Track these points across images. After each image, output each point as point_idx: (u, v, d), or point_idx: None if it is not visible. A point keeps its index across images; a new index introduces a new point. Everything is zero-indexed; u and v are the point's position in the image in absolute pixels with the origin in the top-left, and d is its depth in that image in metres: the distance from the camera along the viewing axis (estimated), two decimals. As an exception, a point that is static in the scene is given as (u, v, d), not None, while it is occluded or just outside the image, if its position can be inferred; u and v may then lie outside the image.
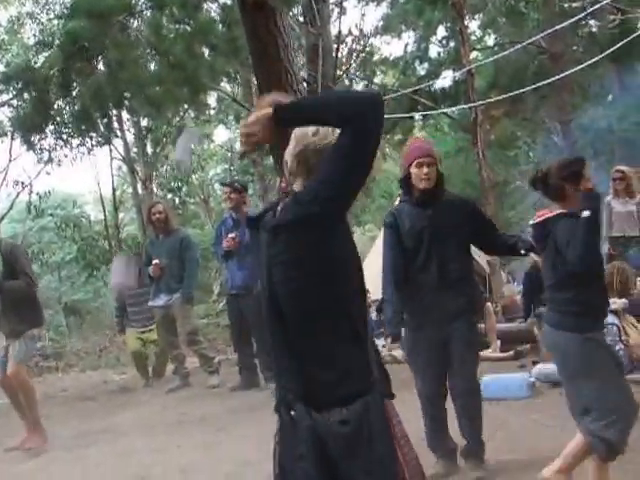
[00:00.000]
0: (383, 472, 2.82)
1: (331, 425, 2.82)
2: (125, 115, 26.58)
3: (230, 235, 10.14)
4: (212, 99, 26.26)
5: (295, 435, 2.87)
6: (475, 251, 6.53)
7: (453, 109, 22.81)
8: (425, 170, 5.75)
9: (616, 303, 8.51)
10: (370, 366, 2.92)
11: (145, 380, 12.25)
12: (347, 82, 23.00)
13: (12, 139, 25.43)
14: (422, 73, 25.88)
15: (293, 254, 2.91)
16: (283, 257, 2.93)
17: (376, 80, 26.62)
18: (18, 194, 28.20)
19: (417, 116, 24.49)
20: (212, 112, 28.10)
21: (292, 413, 2.89)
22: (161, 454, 7.66)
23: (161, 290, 11.06)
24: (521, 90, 17.84)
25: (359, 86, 25.56)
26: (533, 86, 17.29)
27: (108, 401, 11.59)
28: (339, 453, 2.80)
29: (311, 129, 3.02)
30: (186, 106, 23.90)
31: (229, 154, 33.71)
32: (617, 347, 8.38)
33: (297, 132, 3.07)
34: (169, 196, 28.70)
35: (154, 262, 10.96)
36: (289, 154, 3.10)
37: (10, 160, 26.67)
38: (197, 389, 11.00)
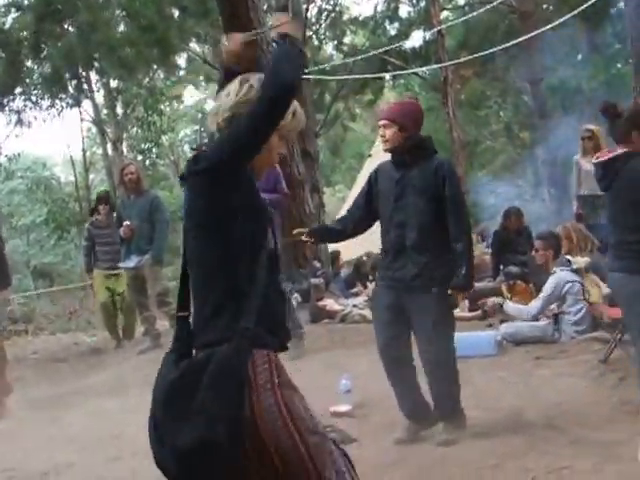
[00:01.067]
0: (200, 424, 2.74)
1: (166, 373, 2.90)
2: (94, 77, 26.39)
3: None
4: (182, 60, 26.12)
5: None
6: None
7: (423, 69, 22.81)
8: (381, 132, 5.88)
9: (578, 262, 8.63)
10: (240, 319, 2.87)
11: (116, 341, 12.26)
12: (317, 42, 22.91)
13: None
14: (392, 33, 25.80)
15: (188, 205, 3.02)
16: (185, 207, 3.05)
17: (346, 40, 26.52)
18: (-14, 157, 27.92)
19: (387, 76, 24.45)
20: (182, 73, 27.96)
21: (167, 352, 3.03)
22: (134, 414, 7.67)
23: (132, 251, 11.05)
24: (491, 50, 17.83)
25: (329, 46, 25.46)
26: (503, 46, 17.30)
27: (79, 363, 11.61)
28: (160, 399, 2.87)
29: (225, 91, 3.13)
30: (156, 67, 23.76)
31: (199, 115, 33.58)
32: (580, 305, 8.53)
33: (219, 94, 3.19)
34: (139, 157, 28.50)
35: (125, 223, 10.94)
36: (209, 114, 3.22)
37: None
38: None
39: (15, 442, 7.23)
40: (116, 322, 12.35)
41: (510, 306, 9.38)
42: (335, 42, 25.33)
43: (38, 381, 10.36)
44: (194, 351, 2.95)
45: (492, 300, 10.64)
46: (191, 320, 3.05)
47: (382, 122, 5.84)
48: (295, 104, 3.10)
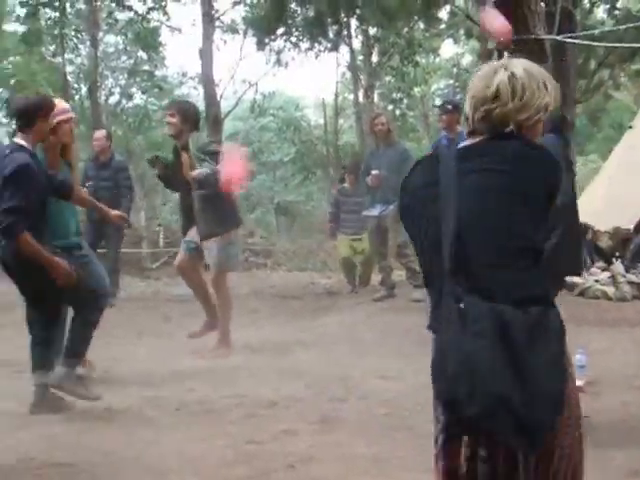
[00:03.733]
0: (557, 374, 2.69)
1: (514, 312, 2.70)
2: (354, 23, 26.60)
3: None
4: (444, 13, 25.83)
5: (463, 323, 2.75)
6: None
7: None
8: None
9: None
10: (543, 280, 2.81)
11: (351, 286, 12.45)
12: (588, 5, 22.06)
13: (244, 38, 25.96)
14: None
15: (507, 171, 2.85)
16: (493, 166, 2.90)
17: (618, 4, 25.37)
18: (244, 92, 28.85)
19: (659, 47, 23.24)
20: (442, 26, 27.67)
21: (460, 305, 2.78)
22: (362, 359, 7.83)
23: (377, 200, 11.18)
24: None
25: (600, 10, 24.46)
26: None
27: (314, 302, 11.85)
28: (522, 340, 2.69)
29: (483, 82, 2.90)
30: (417, 18, 23.65)
31: (454, 70, 33.25)
32: None
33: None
34: (390, 107, 28.63)
35: (373, 172, 11.07)
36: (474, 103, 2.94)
37: (240, 59, 27.23)
38: (401, 301, 11.02)
39: (247, 371, 7.50)
40: (355, 271, 12.57)
41: None
42: (607, 6, 24.28)
43: (273, 315, 10.70)
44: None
45: None
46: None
47: None
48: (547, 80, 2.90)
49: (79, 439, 5.55)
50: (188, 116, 8.34)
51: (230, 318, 8.55)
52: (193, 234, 8.54)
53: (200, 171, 8.06)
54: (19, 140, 6.11)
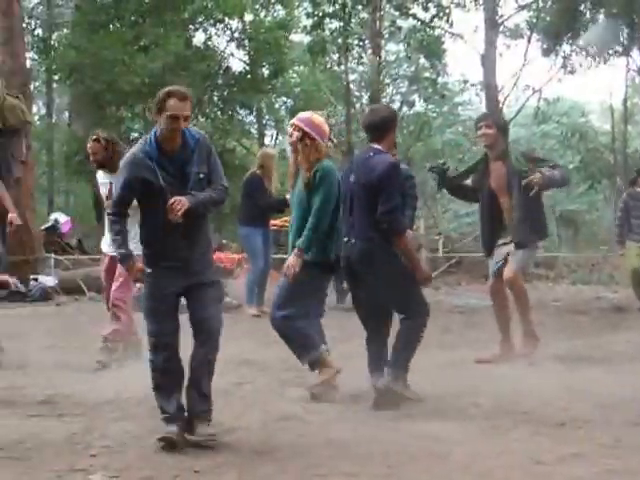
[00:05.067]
0: None
1: None
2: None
3: None
4: None
5: None
6: None
7: None
8: None
9: None
10: None
11: (642, 302, 11.94)
12: None
13: (528, 43, 25.55)
14: None
15: None
16: None
17: None
18: (527, 99, 28.41)
19: None
20: None
21: None
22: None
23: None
24: None
25: None
26: None
27: (600, 318, 11.53)
28: None
29: None
30: None
31: None
32: None
33: None
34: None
35: (667, 186, 10.63)
36: None
37: (524, 64, 26.82)
38: None
39: (532, 387, 7.24)
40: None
41: None
42: None
43: (559, 330, 10.40)
44: None
45: None
46: None
47: None
48: None
49: (365, 449, 5.55)
50: (502, 127, 8.63)
51: (529, 313, 8.67)
52: (501, 253, 8.58)
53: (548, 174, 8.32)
54: (377, 146, 6.58)
